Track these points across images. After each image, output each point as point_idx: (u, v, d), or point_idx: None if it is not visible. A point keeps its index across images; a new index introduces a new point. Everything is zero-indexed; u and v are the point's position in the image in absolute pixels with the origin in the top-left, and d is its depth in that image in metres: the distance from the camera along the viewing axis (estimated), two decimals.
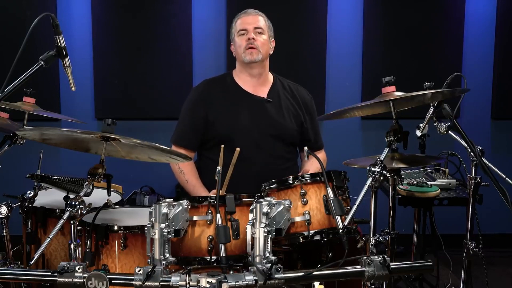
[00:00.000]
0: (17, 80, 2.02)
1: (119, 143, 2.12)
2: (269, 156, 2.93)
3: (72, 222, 2.07)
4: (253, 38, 2.88)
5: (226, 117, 2.93)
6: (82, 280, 1.83)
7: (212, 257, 2.12)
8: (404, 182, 3.16)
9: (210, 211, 2.15)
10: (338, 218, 2.07)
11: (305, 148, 2.38)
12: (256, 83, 2.99)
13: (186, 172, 2.93)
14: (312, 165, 2.93)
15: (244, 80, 2.98)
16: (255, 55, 2.90)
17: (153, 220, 1.92)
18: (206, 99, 2.97)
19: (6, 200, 2.40)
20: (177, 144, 2.96)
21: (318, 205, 2.20)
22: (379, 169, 2.08)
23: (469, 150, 2.30)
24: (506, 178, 2.52)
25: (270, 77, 3.04)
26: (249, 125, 2.92)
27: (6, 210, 2.32)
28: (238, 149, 2.33)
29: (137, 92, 4.46)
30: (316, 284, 2.18)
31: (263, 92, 3.00)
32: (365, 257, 1.93)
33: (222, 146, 2.32)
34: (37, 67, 2.06)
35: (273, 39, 3.01)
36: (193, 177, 2.94)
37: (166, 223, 1.93)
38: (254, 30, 2.91)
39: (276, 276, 1.84)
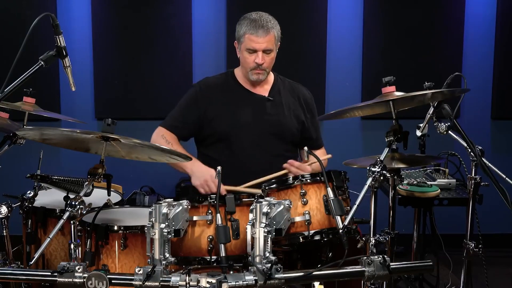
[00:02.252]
0: (17, 80, 2.02)
1: (119, 143, 2.12)
2: (269, 154, 2.93)
3: (72, 222, 2.07)
4: (262, 63, 2.82)
5: (226, 114, 2.92)
6: (82, 280, 1.83)
7: (212, 257, 2.12)
8: (404, 182, 3.16)
9: (210, 211, 2.14)
10: (338, 218, 2.07)
11: (305, 148, 2.38)
12: (258, 82, 2.98)
13: (169, 138, 2.87)
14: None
15: (245, 79, 2.97)
16: (262, 76, 2.87)
17: (153, 220, 1.92)
18: (205, 96, 2.94)
19: (6, 200, 2.40)
20: (163, 125, 2.92)
21: (318, 205, 2.20)
22: (379, 169, 2.07)
23: (469, 150, 2.30)
24: (506, 178, 2.53)
25: (271, 76, 3.03)
26: (249, 123, 2.91)
27: (6, 210, 2.32)
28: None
29: (137, 92, 4.46)
30: (316, 284, 2.17)
31: (264, 90, 2.99)
32: (365, 257, 1.93)
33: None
34: (37, 67, 2.06)
35: (279, 42, 2.91)
36: (175, 142, 2.88)
37: (166, 223, 1.93)
38: (264, 52, 2.81)
39: (276, 276, 1.84)
